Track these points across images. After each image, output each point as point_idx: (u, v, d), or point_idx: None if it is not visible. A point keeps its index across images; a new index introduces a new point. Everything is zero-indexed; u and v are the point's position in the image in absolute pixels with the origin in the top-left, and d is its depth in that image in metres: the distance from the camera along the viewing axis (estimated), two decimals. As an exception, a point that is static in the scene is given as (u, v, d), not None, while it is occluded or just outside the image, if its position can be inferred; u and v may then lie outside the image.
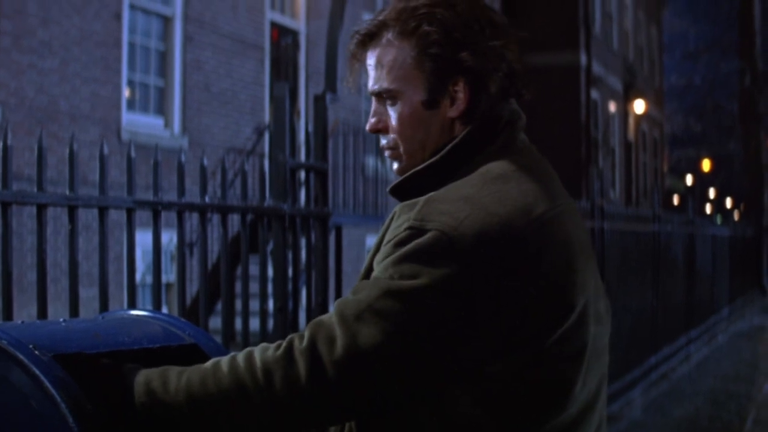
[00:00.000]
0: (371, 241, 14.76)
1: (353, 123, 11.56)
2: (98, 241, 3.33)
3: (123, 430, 1.72)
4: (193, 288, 9.34)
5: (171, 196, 3.68)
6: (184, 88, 12.42)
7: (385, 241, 1.75)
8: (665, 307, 10.46)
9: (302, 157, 4.88)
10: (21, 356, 1.72)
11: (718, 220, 18.23)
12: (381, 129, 1.88)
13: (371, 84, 1.87)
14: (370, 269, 1.77)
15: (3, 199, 2.99)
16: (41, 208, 3.10)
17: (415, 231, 1.69)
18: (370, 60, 1.86)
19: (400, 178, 1.86)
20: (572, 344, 1.72)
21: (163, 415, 1.71)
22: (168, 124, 12.28)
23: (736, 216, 21.88)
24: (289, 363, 1.67)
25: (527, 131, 1.88)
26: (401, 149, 1.86)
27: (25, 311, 3.80)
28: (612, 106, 28.43)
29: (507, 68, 1.83)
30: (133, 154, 3.42)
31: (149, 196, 3.57)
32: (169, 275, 10.50)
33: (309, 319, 4.61)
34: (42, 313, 3.08)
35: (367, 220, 10.84)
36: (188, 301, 7.70)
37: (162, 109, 12.30)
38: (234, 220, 4.74)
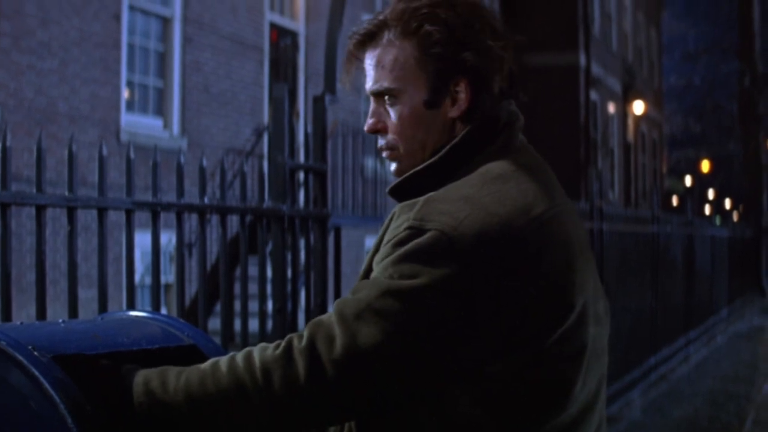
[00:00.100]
0: (370, 242, 14.76)
1: (352, 124, 11.57)
2: (97, 242, 3.33)
3: (122, 430, 1.72)
4: (192, 289, 9.33)
5: (170, 197, 3.67)
6: (184, 89, 12.42)
7: (384, 242, 1.75)
8: (664, 308, 10.47)
9: (301, 158, 4.88)
10: (20, 357, 1.72)
11: (717, 221, 18.21)
12: (380, 129, 1.87)
13: (371, 84, 1.86)
14: (369, 269, 1.76)
15: (2, 200, 2.98)
16: (40, 209, 3.09)
17: (415, 231, 1.69)
18: (370, 60, 1.85)
19: (400, 179, 1.86)
20: (572, 344, 1.72)
21: (162, 415, 1.71)
22: (167, 125, 12.28)
23: (735, 217, 21.86)
24: (288, 362, 1.67)
25: (526, 132, 1.88)
26: (401, 149, 1.86)
27: (24, 312, 3.80)
28: (611, 107, 28.43)
29: (506, 69, 1.83)
30: (132, 155, 3.41)
31: (148, 197, 3.57)
32: (168, 276, 10.51)
33: (308, 320, 4.60)
34: (41, 314, 3.08)
35: (366, 221, 10.85)
36: (187, 302, 7.70)
37: (161, 110, 12.30)
38: (233, 221, 4.74)
